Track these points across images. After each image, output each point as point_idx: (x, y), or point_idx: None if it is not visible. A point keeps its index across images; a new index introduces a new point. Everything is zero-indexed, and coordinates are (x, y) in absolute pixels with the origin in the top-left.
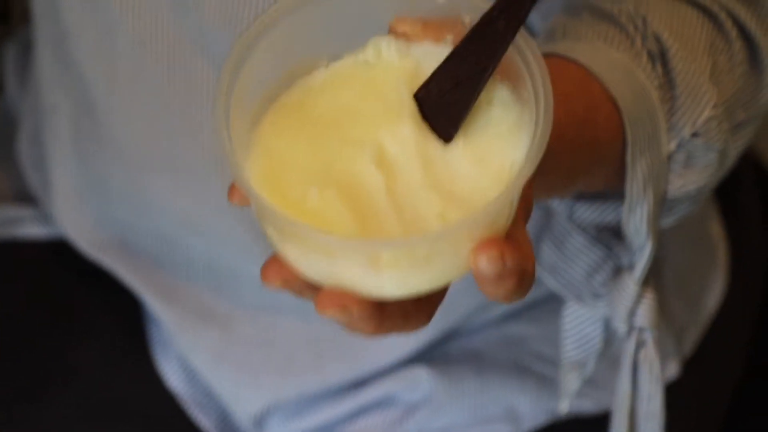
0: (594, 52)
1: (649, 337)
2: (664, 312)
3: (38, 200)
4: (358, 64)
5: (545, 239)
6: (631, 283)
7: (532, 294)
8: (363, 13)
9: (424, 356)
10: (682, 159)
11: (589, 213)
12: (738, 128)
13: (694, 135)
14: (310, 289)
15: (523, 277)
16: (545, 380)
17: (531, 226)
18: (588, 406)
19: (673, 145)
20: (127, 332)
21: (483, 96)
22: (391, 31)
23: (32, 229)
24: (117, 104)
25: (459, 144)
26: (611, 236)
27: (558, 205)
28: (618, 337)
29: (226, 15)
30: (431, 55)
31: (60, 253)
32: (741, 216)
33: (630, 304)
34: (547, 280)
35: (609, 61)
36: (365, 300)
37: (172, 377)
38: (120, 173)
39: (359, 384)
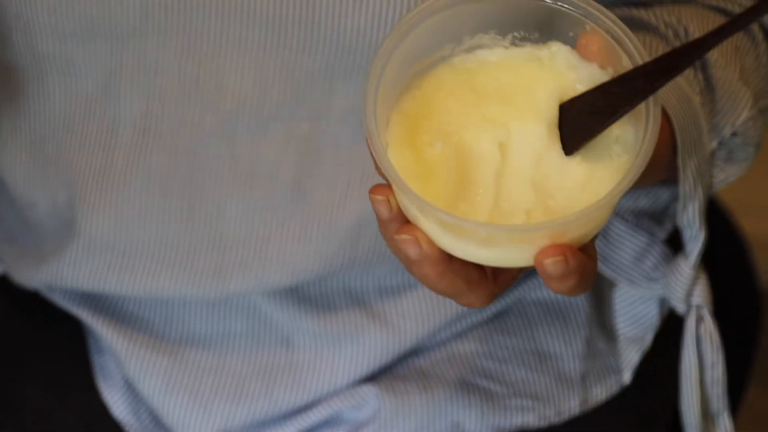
0: None
1: (706, 313)
2: (613, 330)
3: None
4: (531, 58)
5: None
6: (686, 268)
7: (479, 315)
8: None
9: (372, 376)
10: (724, 156)
11: (624, 200)
12: (761, 113)
13: (733, 135)
14: (395, 224)
15: (584, 277)
16: (490, 396)
17: None
18: (532, 420)
19: (714, 144)
20: (71, 362)
21: (612, 130)
22: (579, 41)
23: None
24: (107, 196)
25: (575, 160)
26: (651, 222)
27: None
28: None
29: (248, 97)
30: (591, 77)
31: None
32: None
33: (687, 287)
34: (599, 268)
35: None
36: (436, 245)
37: (118, 407)
38: (90, 262)
39: (307, 406)
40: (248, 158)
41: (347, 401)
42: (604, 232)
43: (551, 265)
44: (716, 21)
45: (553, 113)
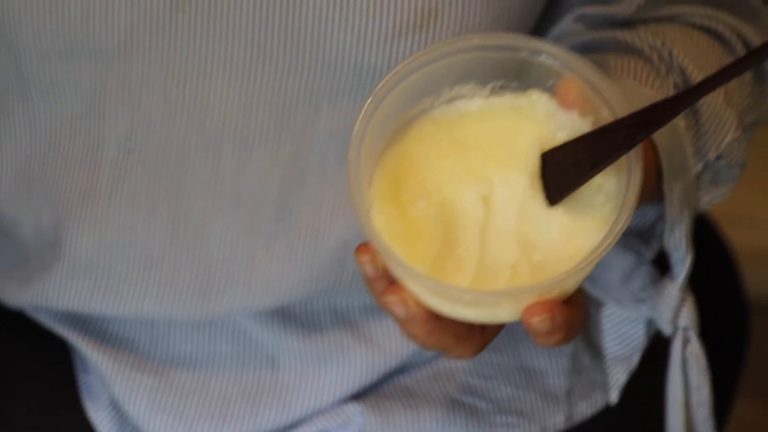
0: (626, 90)
1: (692, 335)
2: (599, 346)
3: None
4: (511, 107)
5: None
6: (673, 290)
7: None
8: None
9: (357, 394)
10: (709, 178)
11: None
12: (745, 130)
13: (718, 158)
14: (382, 282)
15: (571, 329)
16: (475, 412)
17: None
18: None
19: (699, 167)
20: (58, 382)
21: (594, 179)
22: (557, 90)
23: None
24: (92, 215)
25: (558, 211)
26: (638, 241)
27: None
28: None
29: (233, 119)
30: (571, 125)
31: None
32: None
33: (674, 309)
34: (586, 288)
35: (640, 98)
36: (423, 305)
37: (104, 426)
38: (75, 283)
39: (292, 426)
40: (233, 179)
41: (333, 420)
42: None
43: (538, 323)
44: (700, 41)
45: (535, 163)
